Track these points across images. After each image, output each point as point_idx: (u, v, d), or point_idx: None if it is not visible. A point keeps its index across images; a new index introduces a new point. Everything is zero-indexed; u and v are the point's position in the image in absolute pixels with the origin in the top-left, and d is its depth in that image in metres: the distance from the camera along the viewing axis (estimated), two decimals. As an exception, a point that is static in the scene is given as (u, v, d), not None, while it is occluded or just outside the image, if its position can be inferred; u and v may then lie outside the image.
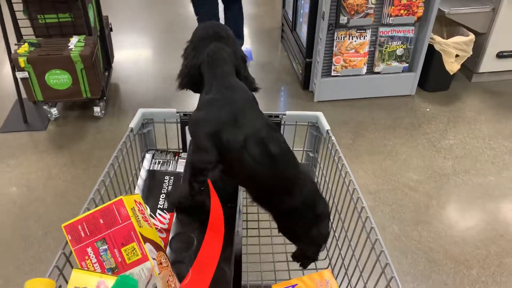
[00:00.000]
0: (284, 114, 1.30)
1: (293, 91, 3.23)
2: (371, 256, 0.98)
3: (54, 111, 2.78)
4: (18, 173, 2.43)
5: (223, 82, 1.02)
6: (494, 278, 1.91)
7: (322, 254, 1.25)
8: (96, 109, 2.81)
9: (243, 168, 0.99)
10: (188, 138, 1.33)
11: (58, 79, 2.51)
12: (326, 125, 1.26)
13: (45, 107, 2.76)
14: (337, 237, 1.26)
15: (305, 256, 1.20)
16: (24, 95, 2.66)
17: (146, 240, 0.86)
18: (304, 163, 1.40)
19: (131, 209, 0.87)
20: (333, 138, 1.22)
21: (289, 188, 1.04)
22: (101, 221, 0.85)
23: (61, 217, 2.15)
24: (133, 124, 1.27)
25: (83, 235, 0.86)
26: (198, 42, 1.09)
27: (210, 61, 1.04)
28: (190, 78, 1.08)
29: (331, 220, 1.24)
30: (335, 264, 1.26)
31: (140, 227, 0.87)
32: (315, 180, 1.38)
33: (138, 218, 0.89)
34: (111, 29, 3.37)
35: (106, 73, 3.20)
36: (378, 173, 2.47)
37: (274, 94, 3.22)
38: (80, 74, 2.51)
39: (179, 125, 1.33)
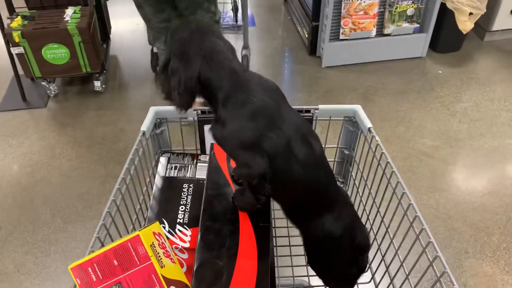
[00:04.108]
0: (317, 109, 1.15)
1: (299, 57, 3.11)
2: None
3: (53, 87, 2.67)
4: (21, 153, 2.35)
5: (239, 81, 0.83)
6: (516, 244, 1.87)
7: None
8: (97, 84, 2.70)
9: (289, 176, 0.85)
10: (208, 138, 1.17)
11: (56, 53, 2.39)
12: (367, 122, 1.09)
13: (43, 83, 2.65)
14: (379, 247, 1.09)
15: None
16: (20, 72, 2.55)
17: (170, 283, 0.75)
18: (338, 160, 1.26)
19: (150, 245, 0.75)
20: (377, 138, 1.05)
21: (330, 202, 0.90)
22: (115, 262, 0.73)
23: (68, 197, 2.09)
24: (144, 126, 1.09)
25: (94, 279, 0.73)
26: (182, 48, 0.85)
27: (211, 64, 0.83)
28: (190, 95, 0.86)
29: (373, 228, 1.11)
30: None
31: (162, 267, 0.75)
32: (352, 181, 1.24)
33: (159, 256, 0.76)
34: (106, -2, 3.22)
35: (105, 45, 3.07)
36: (392, 140, 2.39)
37: (279, 61, 3.10)
38: (79, 47, 2.39)
39: (196, 124, 1.17)
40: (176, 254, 0.96)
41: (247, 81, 0.84)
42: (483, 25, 3.11)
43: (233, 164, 1.06)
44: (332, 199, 0.91)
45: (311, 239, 0.96)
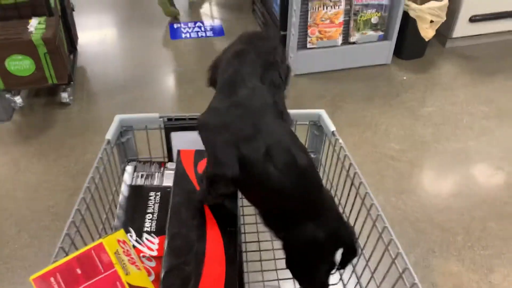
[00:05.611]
0: None
1: (268, 65, 3.14)
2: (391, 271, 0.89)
3: (18, 99, 2.61)
4: (-15, 168, 2.29)
5: (237, 82, 0.88)
6: (480, 242, 1.93)
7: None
8: (64, 95, 2.66)
9: (266, 183, 0.84)
10: (175, 145, 1.19)
11: (20, 65, 2.34)
12: (330, 126, 1.13)
13: (7, 95, 2.59)
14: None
15: None
16: (-17, 84, 2.49)
17: None
18: None
19: (114, 253, 0.74)
20: (340, 140, 1.09)
21: (314, 210, 0.89)
22: (79, 271, 0.72)
23: (34, 211, 2.04)
24: (109, 135, 1.09)
25: None
26: (236, 41, 0.98)
27: (229, 59, 0.91)
28: (213, 75, 0.96)
29: None
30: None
31: (127, 274, 0.74)
32: None
33: (124, 263, 0.75)
34: (73, 9, 3.18)
35: (71, 56, 3.02)
36: (360, 145, 2.44)
37: (249, 69, 3.12)
38: (44, 58, 2.35)
39: (163, 131, 1.17)
40: (143, 263, 0.95)
41: (244, 83, 0.88)
42: (444, 33, 3.23)
43: (199, 170, 1.07)
44: (316, 207, 0.90)
45: (293, 245, 0.95)
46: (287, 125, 0.91)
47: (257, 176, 0.84)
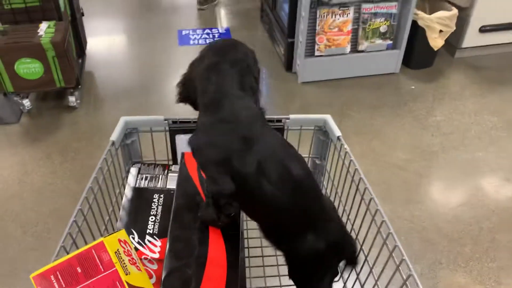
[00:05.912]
0: (288, 118, 1.15)
1: (276, 73, 3.14)
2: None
3: (26, 102, 2.63)
4: (-9, 170, 2.30)
5: (221, 97, 0.87)
6: (488, 254, 1.89)
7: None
8: (71, 99, 2.67)
9: (261, 197, 0.83)
10: (179, 148, 1.19)
11: (29, 68, 2.36)
12: (336, 131, 1.12)
13: (16, 98, 2.61)
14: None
15: None
16: (-8, 87, 2.51)
17: None
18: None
19: (115, 252, 0.74)
20: (345, 146, 1.07)
21: (313, 221, 0.87)
22: (79, 270, 0.71)
23: (40, 214, 2.04)
24: (114, 136, 1.10)
25: (57, 287, 0.72)
26: (205, 53, 0.96)
27: (205, 73, 0.91)
28: (186, 91, 0.97)
29: None
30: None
31: (127, 274, 0.74)
32: (324, 191, 1.23)
33: (124, 263, 0.75)
34: (82, 14, 3.20)
35: (80, 60, 3.05)
36: (367, 154, 2.42)
37: (256, 76, 3.12)
38: (52, 62, 2.37)
39: (167, 133, 1.17)
40: (145, 265, 0.94)
41: (228, 98, 0.86)
42: (453, 43, 3.21)
43: (203, 173, 1.06)
44: (316, 218, 0.88)
45: (295, 257, 0.94)
46: (278, 133, 0.90)
47: (251, 191, 0.83)
